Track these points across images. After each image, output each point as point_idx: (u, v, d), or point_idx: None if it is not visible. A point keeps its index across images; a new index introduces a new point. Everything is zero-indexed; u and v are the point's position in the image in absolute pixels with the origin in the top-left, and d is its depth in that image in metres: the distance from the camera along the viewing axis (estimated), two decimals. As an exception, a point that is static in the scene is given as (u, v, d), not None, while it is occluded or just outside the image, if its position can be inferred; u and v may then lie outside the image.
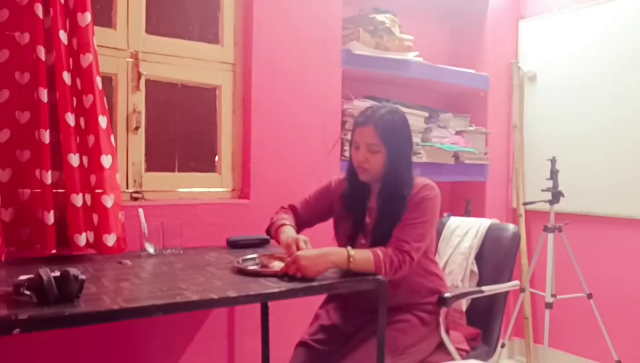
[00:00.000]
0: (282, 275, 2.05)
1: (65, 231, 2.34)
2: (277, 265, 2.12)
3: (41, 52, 2.25)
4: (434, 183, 2.31)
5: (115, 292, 1.79)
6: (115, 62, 2.70)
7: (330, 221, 2.52)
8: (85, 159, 2.39)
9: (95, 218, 2.39)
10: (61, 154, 2.32)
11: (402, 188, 2.26)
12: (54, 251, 2.29)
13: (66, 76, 2.31)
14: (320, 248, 2.13)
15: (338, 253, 2.09)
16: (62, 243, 2.33)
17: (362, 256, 2.11)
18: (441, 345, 2.39)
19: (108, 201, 2.38)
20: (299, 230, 2.43)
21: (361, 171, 2.30)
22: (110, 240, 2.37)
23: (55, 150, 2.31)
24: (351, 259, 2.08)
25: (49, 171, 2.27)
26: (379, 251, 2.14)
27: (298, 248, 2.12)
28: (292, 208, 2.52)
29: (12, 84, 2.30)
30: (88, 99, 2.36)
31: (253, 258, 2.28)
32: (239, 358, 2.93)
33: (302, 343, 2.43)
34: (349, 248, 2.11)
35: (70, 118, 2.31)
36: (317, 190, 2.54)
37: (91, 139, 2.37)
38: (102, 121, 2.39)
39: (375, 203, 2.34)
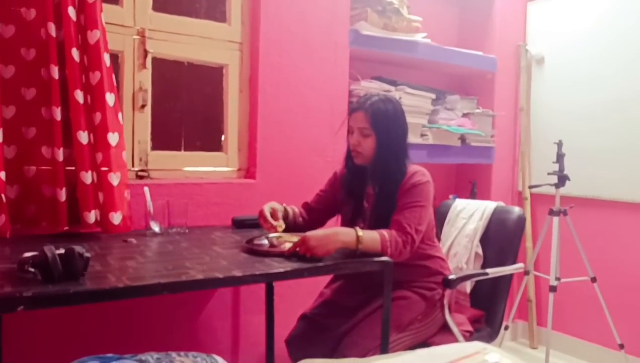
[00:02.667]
0: (290, 255, 2.05)
1: (73, 209, 2.34)
2: (287, 245, 2.13)
3: (51, 28, 2.24)
4: (426, 170, 2.36)
5: (120, 270, 1.79)
6: (121, 39, 2.68)
7: None
8: (92, 137, 2.39)
9: (101, 196, 2.38)
10: (70, 132, 2.31)
11: (394, 174, 2.31)
12: (66, 228, 2.30)
13: (75, 53, 2.29)
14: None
15: (347, 233, 2.11)
16: (71, 221, 2.34)
17: (370, 236, 2.13)
18: (445, 327, 2.41)
19: (114, 179, 2.37)
20: (316, 224, 2.52)
21: (355, 155, 2.37)
22: (116, 218, 2.37)
23: (62, 127, 2.30)
24: (360, 239, 2.09)
25: (60, 149, 2.28)
26: (384, 232, 2.16)
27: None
28: (305, 205, 2.59)
29: (17, 60, 2.29)
30: (95, 76, 2.35)
31: (263, 238, 2.29)
32: (243, 338, 2.95)
33: (304, 316, 2.52)
34: (357, 228, 2.12)
35: (79, 95, 2.31)
36: (326, 182, 2.61)
37: (98, 116, 2.36)
38: (110, 98, 2.38)
39: (372, 188, 2.39)
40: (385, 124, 2.31)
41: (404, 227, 2.20)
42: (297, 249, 2.04)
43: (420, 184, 2.29)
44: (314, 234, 2.06)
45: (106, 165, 2.37)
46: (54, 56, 2.25)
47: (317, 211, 2.57)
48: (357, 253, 2.10)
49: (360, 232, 2.11)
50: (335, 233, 2.10)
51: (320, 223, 2.55)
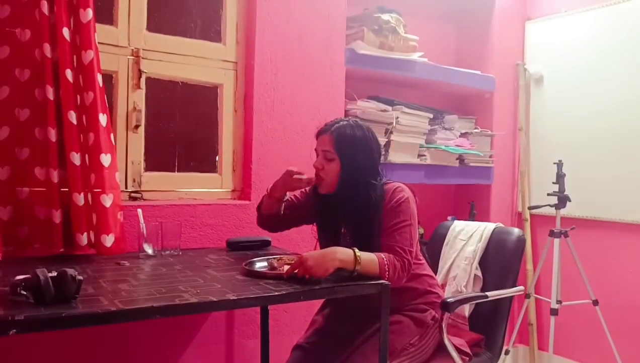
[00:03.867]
0: (288, 278, 2.01)
1: (66, 230, 2.32)
2: (286, 268, 2.08)
3: (47, 49, 2.24)
4: (404, 185, 2.30)
5: (112, 293, 1.77)
6: (115, 59, 2.67)
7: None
8: (86, 158, 2.38)
9: (94, 217, 2.37)
10: (63, 153, 2.30)
11: (367, 200, 2.23)
12: (61, 249, 2.29)
13: (69, 74, 2.30)
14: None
15: (345, 252, 2.06)
16: (65, 243, 2.32)
17: (368, 257, 2.08)
18: (442, 350, 2.35)
19: (107, 200, 2.36)
20: (283, 225, 2.56)
21: (318, 180, 2.30)
22: (108, 240, 2.35)
23: (57, 148, 2.30)
24: (358, 259, 2.05)
25: (56, 170, 2.27)
26: (382, 254, 2.11)
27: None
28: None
29: (12, 81, 2.28)
30: (89, 97, 2.34)
31: (263, 261, 2.25)
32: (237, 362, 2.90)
33: (298, 347, 2.45)
34: (354, 248, 2.07)
35: (72, 116, 2.30)
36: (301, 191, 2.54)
37: (91, 137, 2.35)
38: (102, 119, 2.38)
39: (345, 214, 2.33)
40: (350, 150, 2.24)
41: (398, 252, 2.14)
42: (296, 271, 2.00)
43: (404, 202, 2.23)
44: (311, 254, 2.02)
45: (99, 186, 2.36)
46: (49, 76, 2.25)
47: (290, 208, 2.50)
48: (354, 274, 2.05)
49: (358, 252, 2.06)
50: (332, 251, 2.06)
51: (286, 225, 2.56)
